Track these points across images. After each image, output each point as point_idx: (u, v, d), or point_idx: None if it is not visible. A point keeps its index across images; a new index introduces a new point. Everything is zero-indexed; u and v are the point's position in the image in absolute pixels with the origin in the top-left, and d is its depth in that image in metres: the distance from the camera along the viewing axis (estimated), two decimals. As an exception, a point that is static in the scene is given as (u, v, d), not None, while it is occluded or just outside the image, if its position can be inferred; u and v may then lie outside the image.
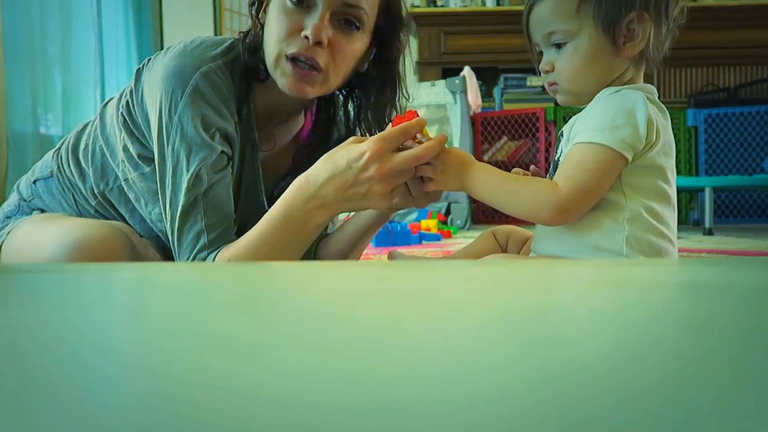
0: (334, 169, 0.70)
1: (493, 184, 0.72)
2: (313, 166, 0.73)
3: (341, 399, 0.13)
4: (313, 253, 0.92)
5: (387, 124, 0.88)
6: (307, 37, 0.74)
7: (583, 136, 0.69)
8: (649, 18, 0.71)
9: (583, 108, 0.78)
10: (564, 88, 0.75)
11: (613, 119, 0.68)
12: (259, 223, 0.75)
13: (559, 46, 0.74)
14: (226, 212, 0.79)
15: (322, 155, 0.73)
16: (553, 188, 0.69)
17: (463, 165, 0.73)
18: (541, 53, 0.77)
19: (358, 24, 0.78)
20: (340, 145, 0.72)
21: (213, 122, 0.77)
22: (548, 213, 0.69)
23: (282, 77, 0.78)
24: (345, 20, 0.77)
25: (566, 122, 2.89)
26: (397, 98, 0.88)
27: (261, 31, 0.81)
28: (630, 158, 0.68)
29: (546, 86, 0.78)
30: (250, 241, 0.75)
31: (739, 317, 0.23)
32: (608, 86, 0.74)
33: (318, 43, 0.75)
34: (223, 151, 0.79)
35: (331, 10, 0.75)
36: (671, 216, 0.73)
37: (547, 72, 0.76)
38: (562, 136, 0.78)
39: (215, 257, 0.75)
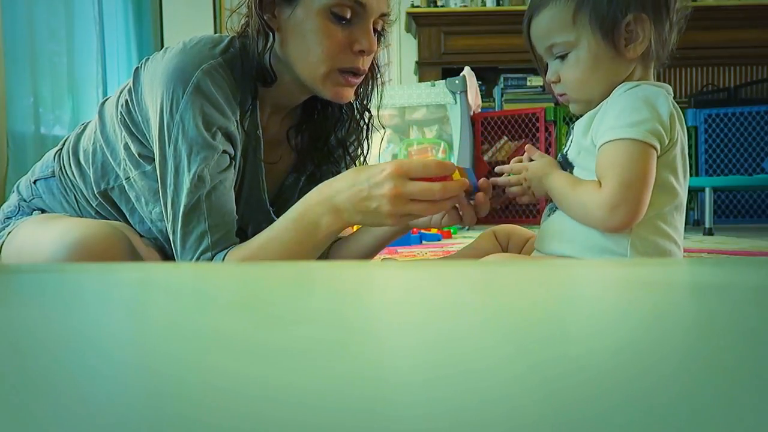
0: (354, 180, 0.72)
1: (558, 189, 0.73)
2: (339, 174, 0.76)
3: (340, 399, 0.13)
4: (325, 256, 0.92)
5: (370, 110, 0.94)
6: (362, 51, 0.79)
7: (610, 134, 0.68)
8: (647, 18, 0.70)
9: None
10: (573, 97, 0.75)
11: (637, 112, 0.67)
12: (275, 221, 0.78)
13: (562, 56, 0.73)
14: (228, 213, 0.79)
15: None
16: (596, 187, 0.68)
17: (545, 173, 0.75)
18: (547, 64, 0.77)
19: (382, 32, 0.84)
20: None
21: (214, 121, 0.77)
22: (599, 214, 0.68)
23: (331, 88, 0.81)
24: (374, 29, 0.83)
25: (567, 122, 2.86)
26: (378, 84, 0.93)
27: (271, 35, 0.80)
28: (659, 149, 0.67)
29: (557, 97, 0.78)
30: (264, 239, 0.76)
31: (740, 317, 0.23)
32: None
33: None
34: (225, 151, 0.79)
35: (372, 20, 0.80)
36: (679, 218, 0.72)
37: (554, 83, 0.76)
38: (572, 131, 0.78)
39: (225, 256, 0.76)
